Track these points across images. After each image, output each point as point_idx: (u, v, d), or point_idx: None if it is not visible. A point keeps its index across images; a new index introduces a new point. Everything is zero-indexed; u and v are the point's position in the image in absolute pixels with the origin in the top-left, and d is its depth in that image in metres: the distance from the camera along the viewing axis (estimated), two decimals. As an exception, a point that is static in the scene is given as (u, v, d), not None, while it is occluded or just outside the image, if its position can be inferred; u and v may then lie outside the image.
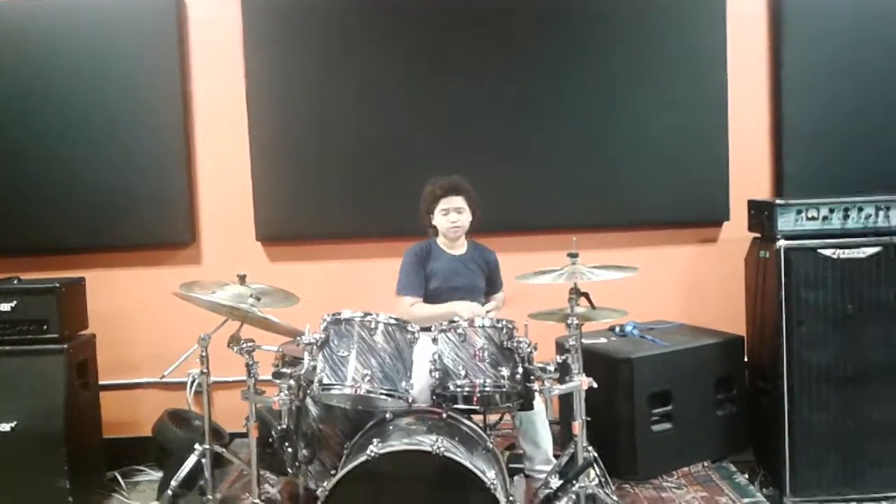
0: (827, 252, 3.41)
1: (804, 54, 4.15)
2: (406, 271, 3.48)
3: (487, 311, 3.35)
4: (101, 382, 3.92)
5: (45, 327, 3.54)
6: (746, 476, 3.64)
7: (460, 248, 3.57)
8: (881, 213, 3.44)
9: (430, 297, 3.47)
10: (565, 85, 4.15)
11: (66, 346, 3.55)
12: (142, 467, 4.09)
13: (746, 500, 3.39)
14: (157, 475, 3.92)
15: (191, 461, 3.28)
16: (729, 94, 4.17)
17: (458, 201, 3.46)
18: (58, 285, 3.58)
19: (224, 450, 3.44)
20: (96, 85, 4.12)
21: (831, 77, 4.14)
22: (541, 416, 3.18)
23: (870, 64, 4.12)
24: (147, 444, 4.04)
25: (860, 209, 3.46)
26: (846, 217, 3.46)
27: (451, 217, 3.46)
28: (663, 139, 4.17)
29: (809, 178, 4.15)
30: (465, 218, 3.49)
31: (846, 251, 3.41)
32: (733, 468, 3.72)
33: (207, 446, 3.31)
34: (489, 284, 3.60)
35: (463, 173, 3.57)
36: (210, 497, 3.41)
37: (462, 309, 3.27)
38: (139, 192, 4.15)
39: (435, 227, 3.54)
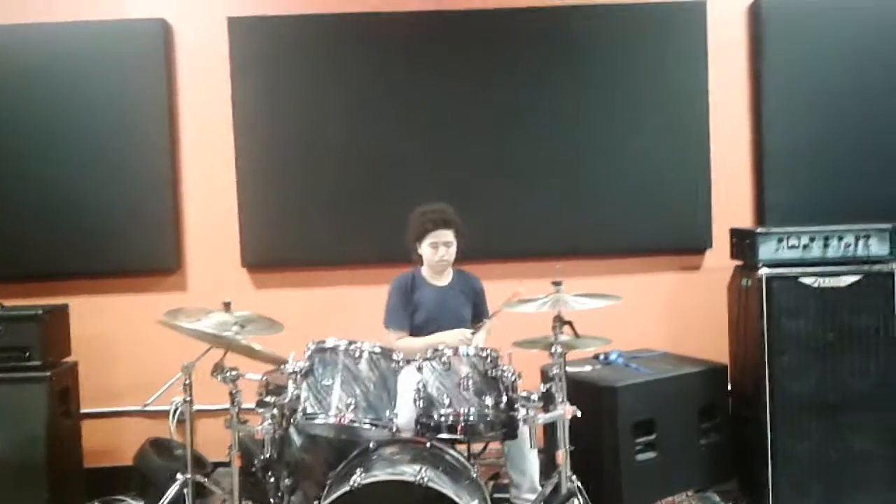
0: (808, 280, 3.45)
1: (784, 81, 4.23)
2: (392, 305, 3.49)
3: (477, 334, 3.36)
4: (83, 410, 3.91)
5: (27, 354, 3.53)
6: (730, 505, 3.65)
7: (446, 278, 3.57)
8: (861, 242, 3.48)
9: (417, 330, 3.48)
10: (549, 112, 4.20)
11: (48, 373, 3.54)
12: (123, 497, 4.04)
13: (730, 529, 3.40)
14: (139, 505, 3.88)
15: (172, 491, 3.24)
16: (711, 123, 4.24)
17: (448, 235, 3.46)
18: (40, 312, 3.57)
19: (206, 479, 3.39)
20: (82, 108, 4.13)
21: (811, 105, 4.22)
22: (527, 445, 3.17)
23: (849, 93, 4.20)
24: (129, 473, 3.99)
25: (840, 238, 3.50)
26: (826, 245, 3.50)
27: (440, 251, 3.46)
28: (646, 167, 4.22)
29: (791, 205, 4.20)
30: (453, 251, 3.49)
31: (827, 279, 3.45)
32: (717, 498, 3.72)
33: (189, 476, 3.28)
34: (475, 313, 3.61)
35: (447, 201, 3.58)
36: (192, 527, 3.38)
37: (449, 338, 3.28)
38: (125, 218, 4.15)
39: (421, 256, 3.54)
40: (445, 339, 3.29)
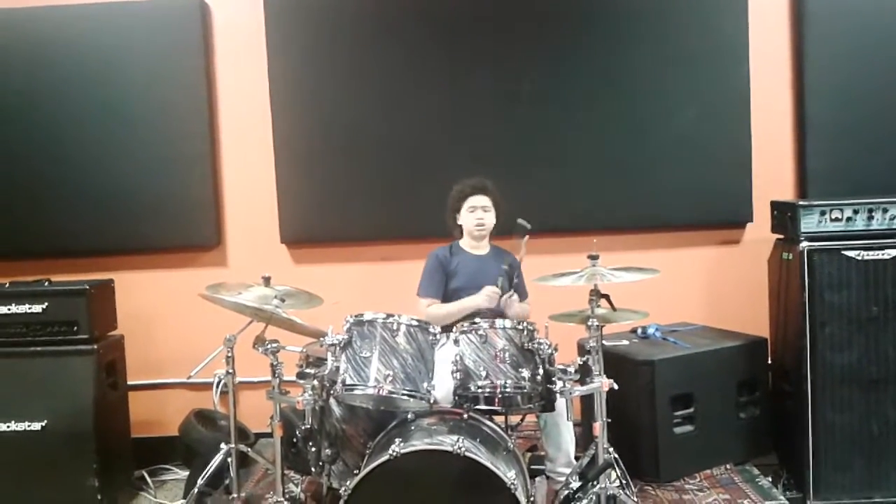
0: (851, 253, 3.39)
1: (827, 51, 4.12)
2: (426, 274, 3.55)
3: (508, 296, 3.38)
4: (129, 382, 4.00)
5: (74, 328, 3.61)
6: (770, 479, 3.62)
7: (483, 248, 3.60)
8: (906, 214, 3.41)
9: (454, 296, 3.51)
10: (586, 85, 4.16)
11: (95, 346, 3.62)
12: (169, 466, 4.16)
13: (769, 502, 3.38)
14: (184, 474, 3.97)
15: (217, 460, 3.33)
16: (752, 93, 4.16)
17: (485, 200, 3.53)
18: (87, 287, 3.65)
19: (249, 449, 3.48)
20: (124, 90, 4.20)
21: (854, 74, 4.11)
22: (563, 418, 3.19)
23: (892, 63, 4.08)
24: (174, 443, 4.10)
25: (885, 210, 3.43)
26: (870, 218, 3.44)
27: (478, 215, 3.53)
28: (685, 139, 4.16)
29: (834, 177, 4.13)
30: (491, 218, 3.53)
31: (870, 252, 3.38)
32: (756, 471, 3.70)
33: (233, 446, 3.36)
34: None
35: (484, 175, 3.61)
36: (236, 496, 3.46)
37: (479, 299, 3.32)
38: (166, 196, 4.22)
39: (460, 228, 3.58)
40: (475, 300, 3.34)
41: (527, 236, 3.42)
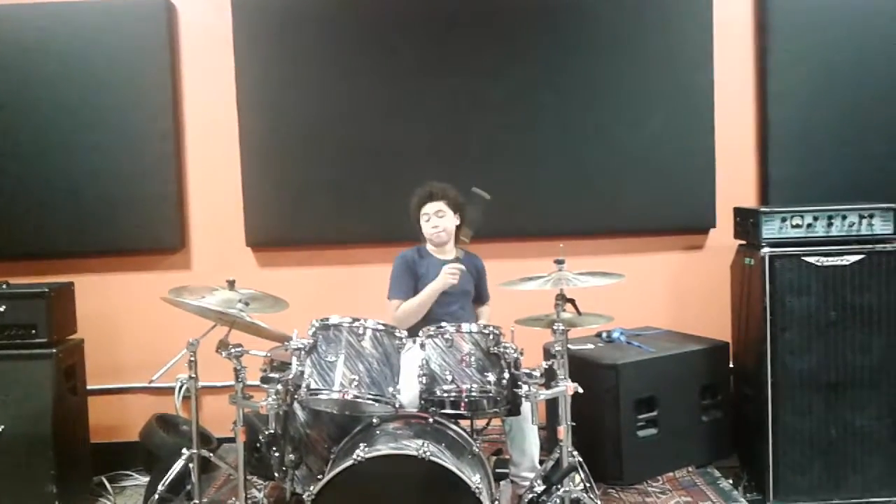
0: (811, 259, 3.45)
1: (790, 59, 4.20)
2: (395, 276, 3.55)
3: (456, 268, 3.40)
4: (89, 387, 3.94)
5: (33, 332, 3.55)
6: (731, 481, 3.67)
7: (449, 253, 3.60)
8: (864, 222, 3.48)
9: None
10: (552, 90, 4.19)
11: (54, 350, 3.56)
12: (129, 472, 4.09)
13: (730, 505, 3.43)
14: (145, 480, 3.91)
15: (178, 466, 3.29)
16: (716, 101, 4.22)
17: (438, 205, 3.53)
18: (47, 290, 3.59)
19: (211, 454, 3.43)
20: (87, 89, 4.13)
21: (817, 83, 4.19)
22: (528, 423, 3.20)
23: (855, 69, 4.17)
24: (134, 448, 4.03)
25: (844, 217, 3.49)
26: (830, 225, 3.50)
27: (433, 222, 3.53)
28: (650, 145, 4.21)
29: (796, 184, 4.20)
30: (447, 222, 3.53)
31: (830, 258, 3.45)
32: (718, 473, 3.75)
33: (195, 451, 3.32)
34: (477, 292, 3.64)
35: (450, 179, 3.61)
36: (197, 502, 3.42)
37: (440, 281, 3.36)
38: (129, 197, 4.16)
39: (423, 236, 3.58)
40: (438, 282, 3.38)
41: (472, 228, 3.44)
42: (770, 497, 3.47)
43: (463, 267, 3.41)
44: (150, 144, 4.16)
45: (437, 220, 3.53)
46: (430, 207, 3.53)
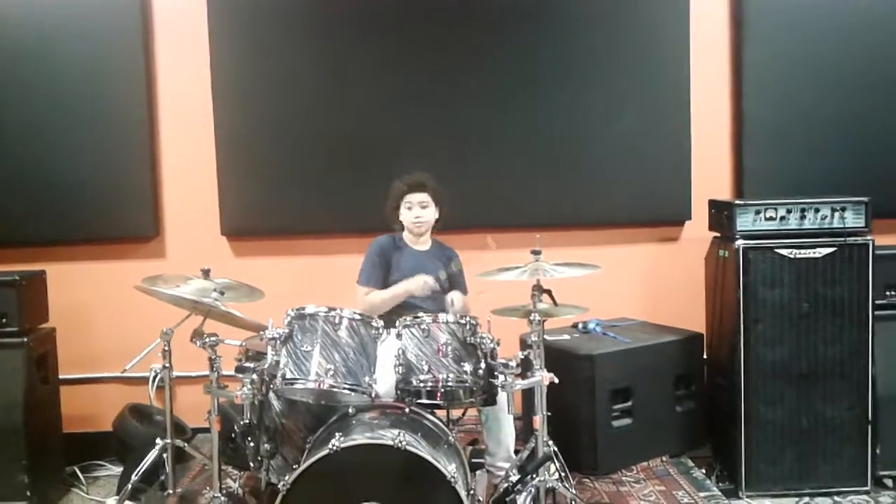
0: (784, 252, 3.49)
1: (765, 54, 4.23)
2: (368, 261, 3.55)
3: (441, 279, 3.43)
4: (61, 377, 3.89)
5: (3, 320, 3.50)
6: (703, 471, 3.72)
7: (424, 244, 3.60)
8: (836, 215, 3.51)
9: (392, 290, 3.50)
10: (527, 82, 4.19)
11: (25, 339, 3.51)
12: (102, 462, 4.05)
13: (703, 494, 3.46)
14: (118, 470, 3.87)
15: (152, 456, 3.27)
16: (692, 94, 4.24)
17: (423, 197, 3.52)
18: (17, 278, 3.54)
19: (186, 444, 3.42)
20: (60, 76, 4.06)
21: (792, 77, 4.23)
22: (504, 413, 3.21)
23: (830, 64, 4.21)
24: (108, 438, 3.99)
25: (817, 210, 3.53)
26: (803, 218, 3.54)
27: (416, 212, 3.52)
28: (626, 138, 4.22)
29: (770, 177, 4.24)
30: (429, 213, 3.53)
31: (802, 251, 3.48)
32: (691, 463, 3.79)
33: (169, 441, 3.30)
34: (451, 283, 3.63)
35: (427, 170, 3.61)
36: (171, 492, 3.40)
37: (411, 285, 3.36)
38: (103, 185, 4.11)
39: (401, 224, 3.57)
40: (408, 285, 3.38)
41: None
42: (742, 486, 3.51)
43: (438, 287, 3.42)
44: (125, 133, 4.10)
45: (420, 210, 3.52)
46: (414, 197, 3.52)
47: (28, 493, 3.46)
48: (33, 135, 4.07)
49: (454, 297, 3.47)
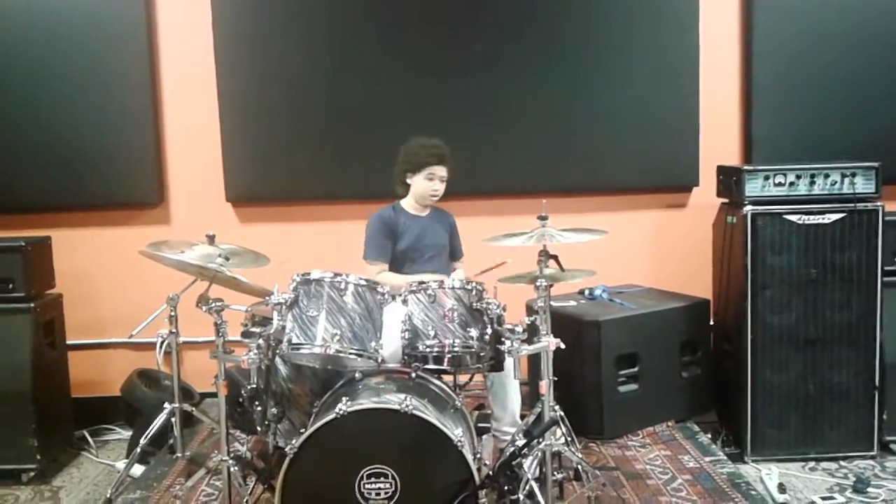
0: (793, 217, 3.46)
1: (775, 18, 4.17)
2: (372, 237, 3.47)
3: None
4: (69, 342, 3.91)
5: (10, 286, 3.51)
6: (709, 436, 3.73)
7: (424, 210, 3.56)
8: (846, 180, 3.48)
9: (400, 258, 3.48)
10: (536, 48, 4.14)
11: (32, 305, 3.52)
12: (111, 426, 4.10)
13: (708, 458, 3.47)
14: (127, 434, 3.93)
15: (160, 420, 3.29)
16: (701, 59, 4.19)
17: (445, 171, 3.46)
18: (23, 244, 3.54)
19: (194, 409, 3.44)
20: (60, 39, 4.03)
21: (802, 41, 4.17)
22: (510, 378, 3.22)
23: (840, 28, 4.15)
24: (116, 403, 4.03)
25: (826, 175, 3.50)
26: (812, 183, 3.50)
27: (435, 185, 3.46)
28: (635, 103, 4.18)
29: (779, 142, 4.20)
30: (443, 188, 3.49)
31: (811, 217, 3.46)
32: (696, 428, 3.80)
33: (177, 405, 3.32)
34: (452, 246, 3.62)
35: (432, 135, 3.53)
36: (180, 455, 3.44)
37: (428, 278, 3.29)
38: (107, 152, 4.10)
39: (406, 186, 3.51)
40: (423, 278, 3.31)
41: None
42: (748, 451, 3.53)
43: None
44: (127, 95, 4.09)
45: (440, 185, 3.47)
46: (438, 170, 3.45)
47: (38, 457, 3.50)
48: (37, 102, 4.05)
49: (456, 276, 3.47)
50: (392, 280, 3.35)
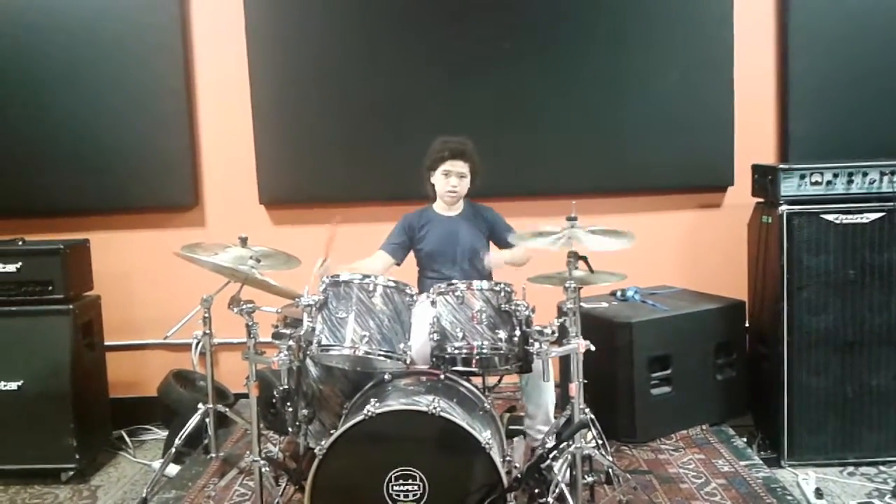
0: (830, 217, 3.40)
1: (811, 14, 4.09)
2: (393, 230, 3.55)
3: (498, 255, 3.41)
4: (106, 343, 3.98)
5: (49, 288, 3.58)
6: (745, 440, 3.67)
7: (457, 209, 3.54)
8: (885, 179, 3.41)
9: (426, 260, 3.50)
10: (567, 47, 4.11)
11: (70, 306, 3.59)
12: (148, 426, 4.17)
13: (744, 462, 3.41)
14: (163, 434, 3.99)
15: (194, 420, 3.34)
16: (735, 56, 4.12)
17: (462, 166, 3.43)
18: (62, 247, 3.61)
19: (227, 409, 3.49)
20: (98, 47, 4.11)
21: (839, 38, 4.08)
22: (542, 377, 3.20)
23: (879, 23, 4.06)
24: (153, 403, 4.09)
25: (864, 174, 3.42)
26: (850, 182, 3.44)
27: (452, 181, 3.44)
28: (668, 102, 4.13)
29: (816, 140, 4.12)
30: (465, 184, 3.47)
31: (849, 216, 3.39)
32: (732, 431, 3.74)
33: (210, 406, 3.36)
34: (495, 240, 3.57)
35: (466, 135, 3.53)
36: (214, 455, 3.48)
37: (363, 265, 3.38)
38: (143, 156, 4.17)
39: (433, 187, 3.52)
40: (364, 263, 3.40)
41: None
42: (784, 456, 3.47)
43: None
44: (162, 100, 4.15)
45: (457, 180, 3.44)
46: (455, 165, 3.42)
47: (77, 457, 3.57)
48: (74, 106, 4.14)
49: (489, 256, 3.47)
50: (360, 263, 3.41)
